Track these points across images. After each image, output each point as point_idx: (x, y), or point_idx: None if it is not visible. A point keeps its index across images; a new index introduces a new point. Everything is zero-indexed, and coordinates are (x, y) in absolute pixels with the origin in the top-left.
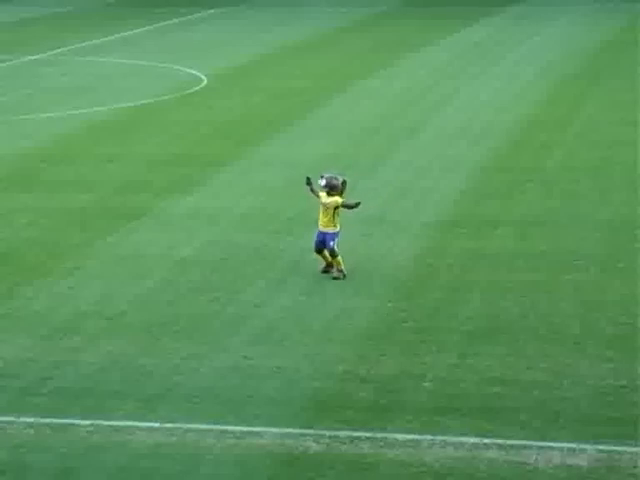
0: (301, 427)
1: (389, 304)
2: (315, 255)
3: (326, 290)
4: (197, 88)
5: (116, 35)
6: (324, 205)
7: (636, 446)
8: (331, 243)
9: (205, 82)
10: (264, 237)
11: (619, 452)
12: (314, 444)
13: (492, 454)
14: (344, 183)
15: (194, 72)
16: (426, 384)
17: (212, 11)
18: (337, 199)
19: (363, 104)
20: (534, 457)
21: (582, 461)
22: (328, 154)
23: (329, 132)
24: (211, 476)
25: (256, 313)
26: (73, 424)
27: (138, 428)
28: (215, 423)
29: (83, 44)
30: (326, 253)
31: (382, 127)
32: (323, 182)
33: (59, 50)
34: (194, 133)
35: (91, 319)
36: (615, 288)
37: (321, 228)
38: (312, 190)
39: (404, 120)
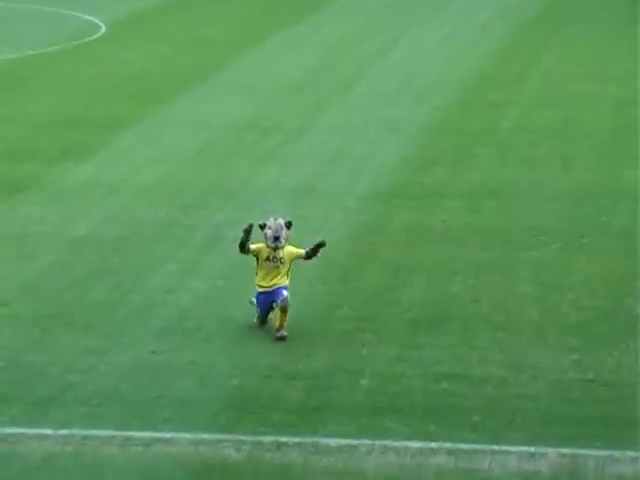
0: (218, 432)
1: (320, 287)
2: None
3: (246, 272)
4: (94, 37)
5: None
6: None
7: (604, 449)
8: (285, 292)
9: (103, 30)
10: (173, 212)
11: (584, 456)
12: (234, 452)
13: (440, 460)
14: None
15: (90, 18)
16: (363, 381)
17: None
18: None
19: (288, 56)
20: (488, 463)
21: (542, 466)
22: (248, 115)
23: (249, 89)
24: None
25: (165, 300)
26: None
27: (27, 436)
28: (118, 429)
29: None
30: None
31: (310, 83)
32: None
33: None
34: (90, 90)
35: None
36: (579, 267)
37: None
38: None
39: (336, 75)
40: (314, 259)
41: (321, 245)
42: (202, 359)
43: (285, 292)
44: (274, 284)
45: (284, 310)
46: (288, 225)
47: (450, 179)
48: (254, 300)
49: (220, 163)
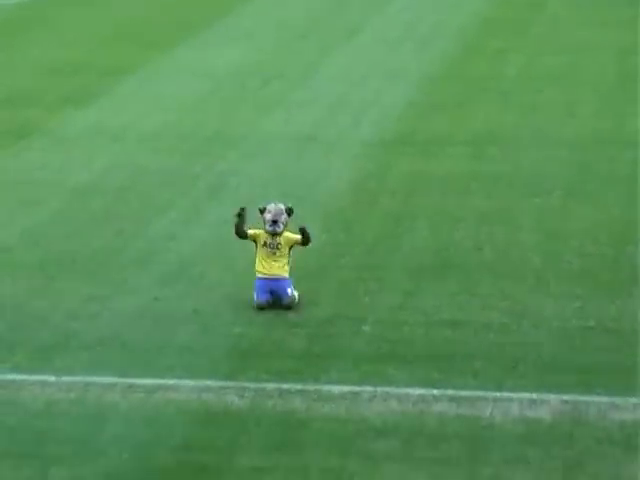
0: (221, 379)
1: (323, 236)
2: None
3: (250, 220)
4: None
5: None
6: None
7: (606, 396)
8: (289, 290)
9: None
10: (176, 159)
11: (586, 403)
12: (236, 398)
13: (442, 407)
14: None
15: None
16: (365, 328)
17: None
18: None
19: (292, 2)
20: (489, 410)
21: (544, 413)
22: (251, 61)
23: (252, 35)
24: (116, 438)
25: (168, 248)
26: None
27: (29, 383)
28: (121, 376)
29: None
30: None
31: (314, 29)
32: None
33: None
34: (90, 36)
35: None
36: (582, 215)
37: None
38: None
39: (339, 20)
40: (311, 244)
41: (302, 230)
42: (205, 307)
43: (289, 290)
44: (273, 273)
45: (289, 308)
46: (289, 211)
47: (453, 126)
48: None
49: (223, 110)
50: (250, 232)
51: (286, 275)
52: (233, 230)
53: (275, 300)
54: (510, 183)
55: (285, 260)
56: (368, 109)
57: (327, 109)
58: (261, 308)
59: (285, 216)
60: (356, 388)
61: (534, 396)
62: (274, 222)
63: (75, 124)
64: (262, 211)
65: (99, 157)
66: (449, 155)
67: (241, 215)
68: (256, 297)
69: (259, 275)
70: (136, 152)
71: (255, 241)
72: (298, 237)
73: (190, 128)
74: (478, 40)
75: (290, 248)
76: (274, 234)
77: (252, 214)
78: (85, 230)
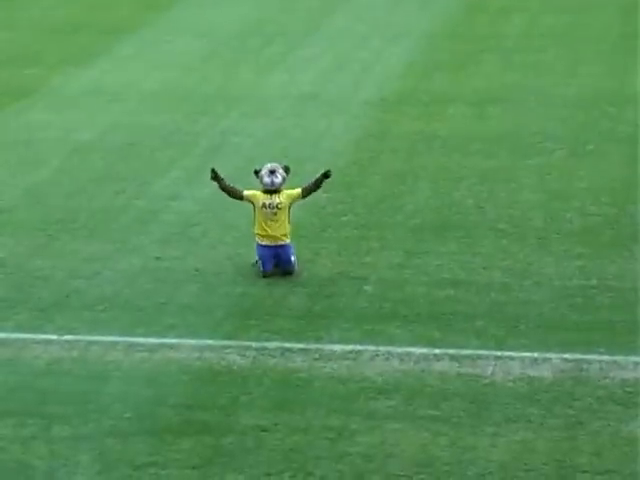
0: (223, 338)
1: (325, 195)
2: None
3: (251, 179)
4: None
5: None
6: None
7: (607, 354)
8: (292, 258)
9: None
10: (177, 118)
11: (587, 361)
12: (238, 358)
13: (443, 366)
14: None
15: None
16: (367, 287)
17: None
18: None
19: None
20: (491, 369)
21: (546, 372)
22: (252, 20)
23: None
24: (118, 396)
25: (169, 207)
26: None
27: (33, 341)
28: (123, 335)
29: None
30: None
31: None
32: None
33: None
34: None
35: None
36: (583, 174)
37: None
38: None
39: None
40: (314, 193)
41: (326, 175)
42: (207, 266)
43: (293, 258)
44: (275, 235)
45: (290, 274)
46: (286, 169)
47: (455, 86)
48: (258, 261)
49: (224, 69)
50: (246, 193)
51: (288, 240)
52: (225, 195)
53: (277, 264)
54: (512, 142)
55: (286, 221)
56: (369, 68)
57: (328, 68)
58: (267, 276)
59: (282, 171)
60: (358, 347)
61: (535, 355)
62: (272, 172)
63: (75, 83)
64: (258, 172)
65: (100, 116)
66: (451, 114)
67: (215, 177)
68: (262, 266)
69: (262, 242)
70: (137, 111)
71: (252, 203)
72: (298, 191)
73: (191, 87)
74: None
75: (290, 207)
76: (273, 192)
77: (251, 177)
78: (86, 189)
